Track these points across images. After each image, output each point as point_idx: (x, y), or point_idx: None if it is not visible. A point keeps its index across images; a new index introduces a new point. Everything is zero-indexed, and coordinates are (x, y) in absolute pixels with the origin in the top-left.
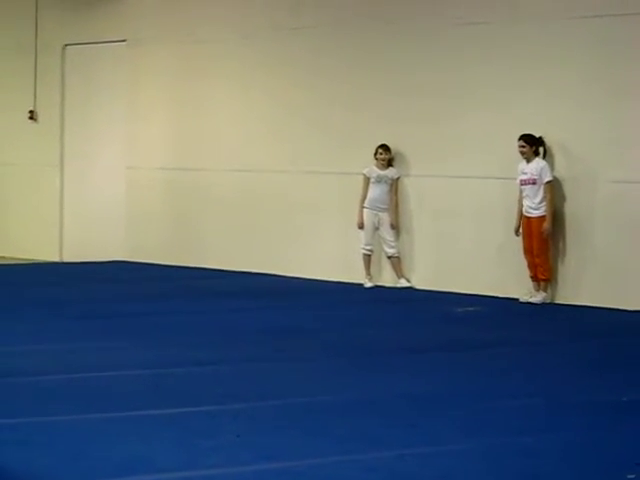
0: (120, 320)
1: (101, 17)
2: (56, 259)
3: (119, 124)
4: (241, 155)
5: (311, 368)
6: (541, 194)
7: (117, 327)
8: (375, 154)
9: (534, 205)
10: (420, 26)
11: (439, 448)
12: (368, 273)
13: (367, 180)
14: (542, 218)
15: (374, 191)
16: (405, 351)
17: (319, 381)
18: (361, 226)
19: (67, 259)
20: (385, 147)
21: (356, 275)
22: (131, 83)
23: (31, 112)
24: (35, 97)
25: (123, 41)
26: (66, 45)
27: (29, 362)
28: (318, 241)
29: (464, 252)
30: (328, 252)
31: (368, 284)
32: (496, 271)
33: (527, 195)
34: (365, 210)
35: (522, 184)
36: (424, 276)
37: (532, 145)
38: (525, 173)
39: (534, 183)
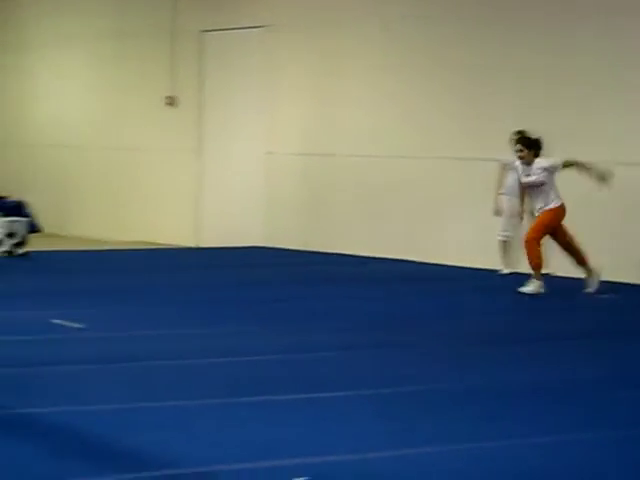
0: (257, 305)
1: (238, 3)
2: (193, 245)
3: (257, 110)
4: (376, 141)
5: (441, 354)
6: (549, 194)
7: (254, 312)
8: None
9: (542, 206)
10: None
11: (567, 437)
12: (505, 260)
13: (504, 167)
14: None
15: (512, 178)
16: (542, 338)
17: (449, 368)
18: (498, 213)
19: (204, 245)
20: (522, 139)
21: (494, 262)
22: (268, 69)
23: (168, 97)
24: (172, 83)
25: (261, 27)
26: (203, 31)
27: (171, 346)
28: (455, 227)
29: (604, 239)
30: (465, 238)
31: (505, 271)
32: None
33: (534, 198)
34: (503, 197)
35: (526, 187)
36: (563, 263)
37: (530, 148)
38: (528, 176)
39: (542, 185)
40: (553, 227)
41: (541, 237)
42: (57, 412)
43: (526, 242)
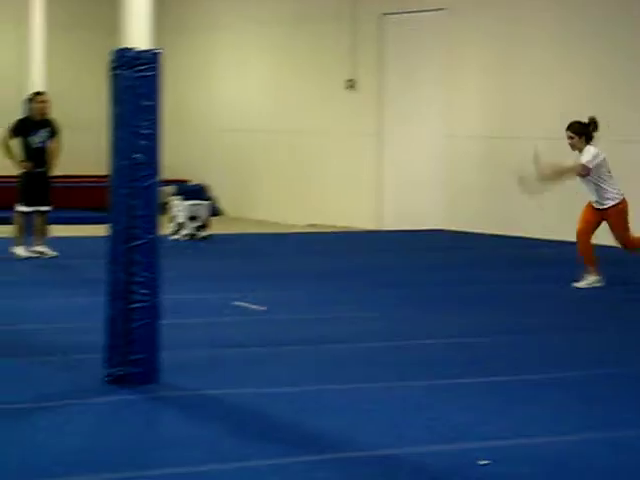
0: (435, 288)
1: None
2: (374, 227)
3: (437, 93)
4: (564, 122)
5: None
6: (600, 189)
7: (431, 295)
8: None
9: (599, 200)
10: None
11: None
12: None
13: None
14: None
15: None
16: None
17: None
18: None
19: (386, 227)
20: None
21: None
22: (449, 52)
23: (349, 81)
24: (352, 66)
25: (442, 9)
26: (384, 14)
27: (349, 329)
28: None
29: None
30: None
31: None
32: None
33: (589, 191)
34: None
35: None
36: None
37: (581, 135)
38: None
39: (586, 176)
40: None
41: (628, 235)
42: (240, 394)
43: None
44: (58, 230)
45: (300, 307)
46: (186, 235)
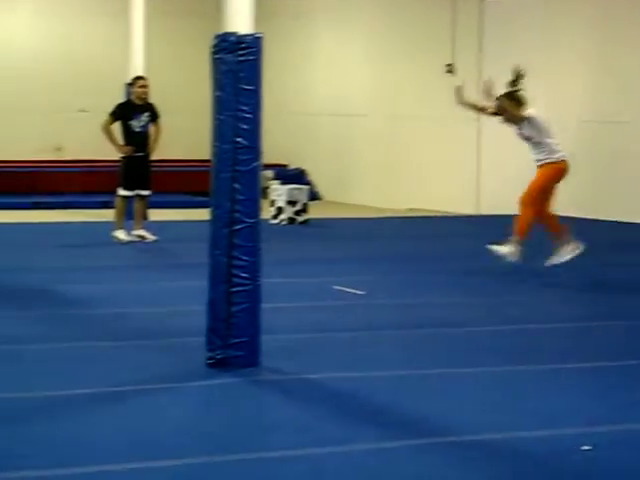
0: (536, 274)
1: None
2: (473, 212)
3: (537, 77)
4: None
5: None
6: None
7: (524, 281)
8: None
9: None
10: None
11: None
12: None
13: None
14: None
15: None
16: None
17: None
18: None
19: (484, 212)
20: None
21: None
22: (549, 36)
23: (448, 65)
24: (452, 50)
25: None
26: None
27: (448, 313)
28: None
29: None
30: None
31: None
32: None
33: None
34: None
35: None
36: None
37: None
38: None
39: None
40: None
41: (533, 199)
42: (341, 377)
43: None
44: (158, 214)
45: (399, 291)
46: (285, 219)
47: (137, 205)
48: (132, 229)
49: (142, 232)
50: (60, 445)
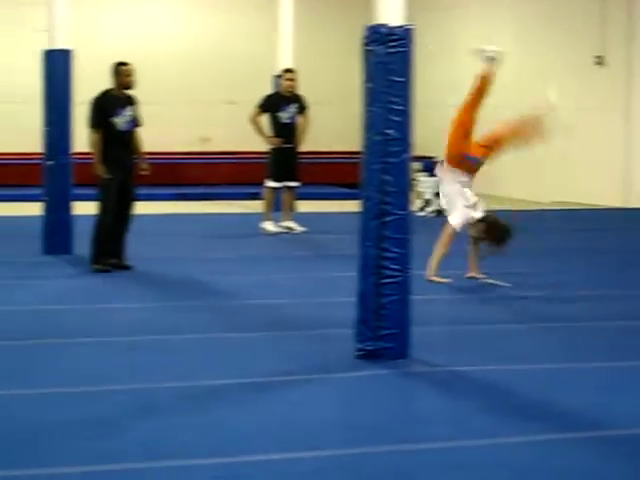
0: None
1: None
2: (622, 205)
3: None
4: None
5: None
6: None
7: None
8: None
9: None
10: None
11: None
12: None
13: None
14: None
15: None
16: None
17: None
18: None
19: (633, 205)
20: None
21: None
22: None
23: (597, 57)
24: (602, 42)
25: None
26: None
27: (594, 308)
28: None
29: None
30: None
31: None
32: None
33: None
34: None
35: None
36: None
37: None
38: None
39: None
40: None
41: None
42: (488, 370)
43: None
44: (306, 206)
45: (545, 284)
46: (433, 211)
47: (285, 196)
48: (280, 220)
49: (290, 223)
50: (214, 434)
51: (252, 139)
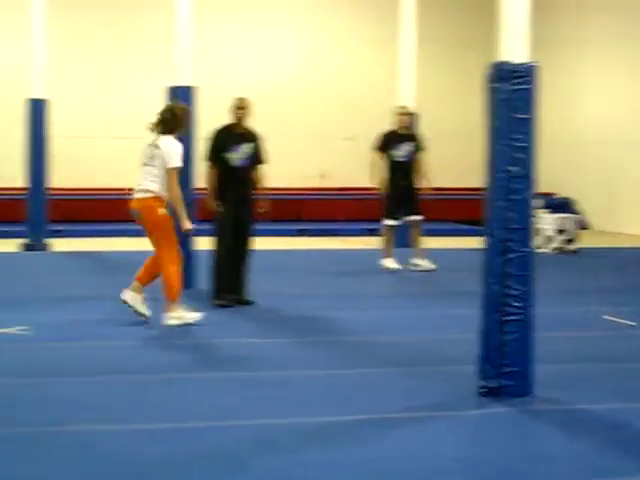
0: None
1: None
2: None
3: None
4: None
5: None
6: None
7: None
8: None
9: None
10: None
11: None
12: None
13: None
14: None
15: None
16: None
17: None
18: None
19: None
20: None
21: None
22: None
23: None
24: None
25: None
26: None
27: None
28: None
29: None
30: None
31: None
32: None
33: None
34: None
35: None
36: None
37: None
38: None
39: None
40: None
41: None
42: (613, 409)
43: None
44: (428, 242)
45: None
46: (555, 248)
47: (411, 232)
48: (411, 257)
49: (419, 261)
50: (336, 472)
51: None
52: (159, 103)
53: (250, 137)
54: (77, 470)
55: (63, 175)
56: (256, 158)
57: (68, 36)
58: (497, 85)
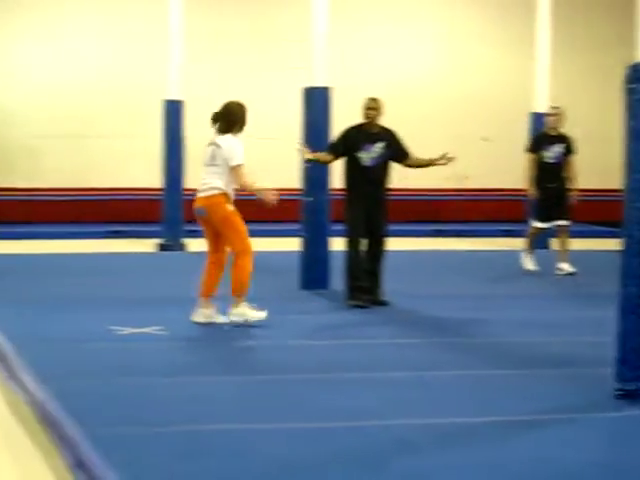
0: None
1: None
2: None
3: None
4: None
5: None
6: None
7: None
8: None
9: None
10: None
11: None
12: None
13: None
14: None
15: None
16: None
17: None
18: None
19: None
20: None
21: None
22: None
23: None
24: None
25: None
26: None
27: None
28: None
29: None
30: None
31: None
32: None
33: None
34: None
35: None
36: None
37: None
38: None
39: None
40: None
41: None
42: None
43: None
44: (574, 244)
45: None
46: None
47: (559, 236)
48: (556, 260)
49: (563, 265)
50: (474, 474)
51: (506, 176)
52: (293, 104)
53: (383, 136)
54: (223, 468)
55: (198, 175)
56: (392, 155)
57: (203, 37)
58: (635, 86)
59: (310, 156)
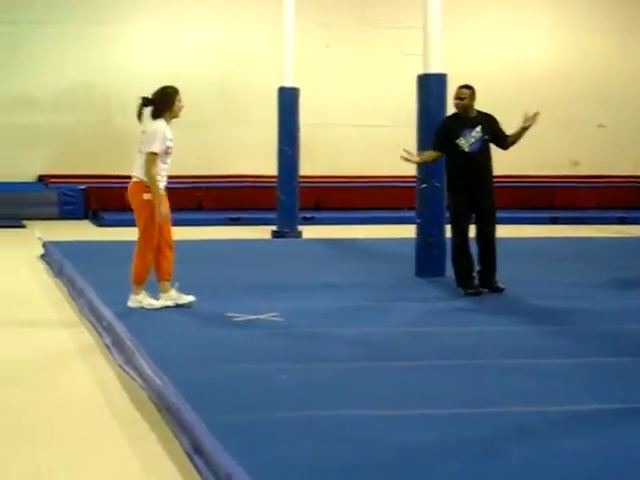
0: None
1: None
2: None
3: None
4: None
5: None
6: None
7: None
8: None
9: None
10: None
11: None
12: None
13: None
14: None
15: None
16: None
17: None
18: None
19: None
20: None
21: None
22: None
23: None
24: None
25: None
26: None
27: None
28: None
29: None
30: None
31: None
32: None
33: None
34: None
35: None
36: None
37: None
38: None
39: None
40: None
41: None
42: None
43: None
44: None
45: None
46: None
47: None
48: None
49: None
50: (593, 461)
51: (621, 163)
52: (408, 91)
53: (480, 120)
54: (340, 454)
55: (311, 163)
56: (491, 139)
57: (317, 24)
58: None
59: (417, 159)
